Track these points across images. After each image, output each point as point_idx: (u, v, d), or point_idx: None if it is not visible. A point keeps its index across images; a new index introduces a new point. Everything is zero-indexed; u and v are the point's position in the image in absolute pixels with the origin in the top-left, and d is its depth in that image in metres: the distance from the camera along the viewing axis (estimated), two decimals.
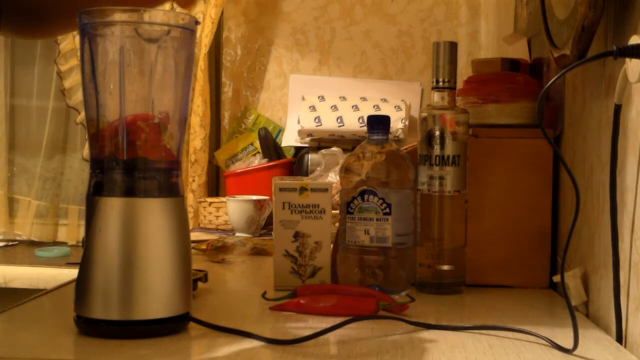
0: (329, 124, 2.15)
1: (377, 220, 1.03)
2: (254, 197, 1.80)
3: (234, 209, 1.76)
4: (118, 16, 0.80)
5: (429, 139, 1.07)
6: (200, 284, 1.01)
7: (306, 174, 2.07)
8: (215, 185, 2.41)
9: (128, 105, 0.78)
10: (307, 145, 2.18)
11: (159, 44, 0.80)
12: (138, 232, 0.77)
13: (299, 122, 2.19)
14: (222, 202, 1.92)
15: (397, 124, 2.12)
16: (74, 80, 2.45)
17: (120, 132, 0.78)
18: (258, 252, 1.45)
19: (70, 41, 2.44)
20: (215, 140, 2.39)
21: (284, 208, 1.06)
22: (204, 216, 1.95)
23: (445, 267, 1.07)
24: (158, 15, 0.82)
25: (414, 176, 1.07)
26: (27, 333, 0.80)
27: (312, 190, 1.06)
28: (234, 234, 1.76)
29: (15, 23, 0.94)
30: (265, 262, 1.36)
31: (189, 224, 0.83)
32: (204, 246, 1.40)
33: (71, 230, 2.56)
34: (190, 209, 2.25)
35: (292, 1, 2.41)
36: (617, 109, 0.83)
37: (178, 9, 1.59)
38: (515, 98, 1.15)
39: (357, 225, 1.04)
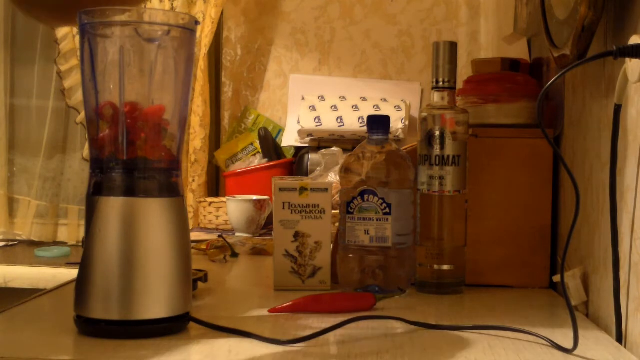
0: (329, 124, 2.15)
1: (377, 220, 1.03)
2: (254, 197, 1.80)
3: (234, 209, 1.76)
4: (118, 16, 0.80)
5: (429, 139, 1.07)
6: (200, 284, 1.01)
7: (306, 174, 2.07)
8: (215, 185, 2.41)
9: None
10: (307, 145, 2.18)
11: (159, 44, 0.80)
12: (138, 232, 0.77)
13: (299, 122, 2.18)
14: (222, 202, 1.92)
15: (397, 124, 2.12)
16: (74, 80, 2.45)
17: (120, 132, 0.78)
18: (258, 252, 1.45)
19: (70, 41, 2.44)
20: (215, 140, 2.39)
21: (284, 208, 1.06)
22: (204, 216, 1.95)
23: (445, 267, 1.07)
24: (158, 15, 0.82)
25: (414, 176, 1.07)
26: (27, 333, 0.80)
27: (312, 190, 1.06)
28: (234, 234, 1.76)
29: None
30: (265, 262, 1.36)
31: (189, 224, 0.83)
32: (204, 246, 1.40)
33: (71, 230, 2.56)
34: (190, 209, 2.24)
35: (292, 1, 2.41)
36: (617, 109, 0.83)
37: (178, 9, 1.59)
38: (515, 98, 1.15)
39: (357, 225, 1.04)
